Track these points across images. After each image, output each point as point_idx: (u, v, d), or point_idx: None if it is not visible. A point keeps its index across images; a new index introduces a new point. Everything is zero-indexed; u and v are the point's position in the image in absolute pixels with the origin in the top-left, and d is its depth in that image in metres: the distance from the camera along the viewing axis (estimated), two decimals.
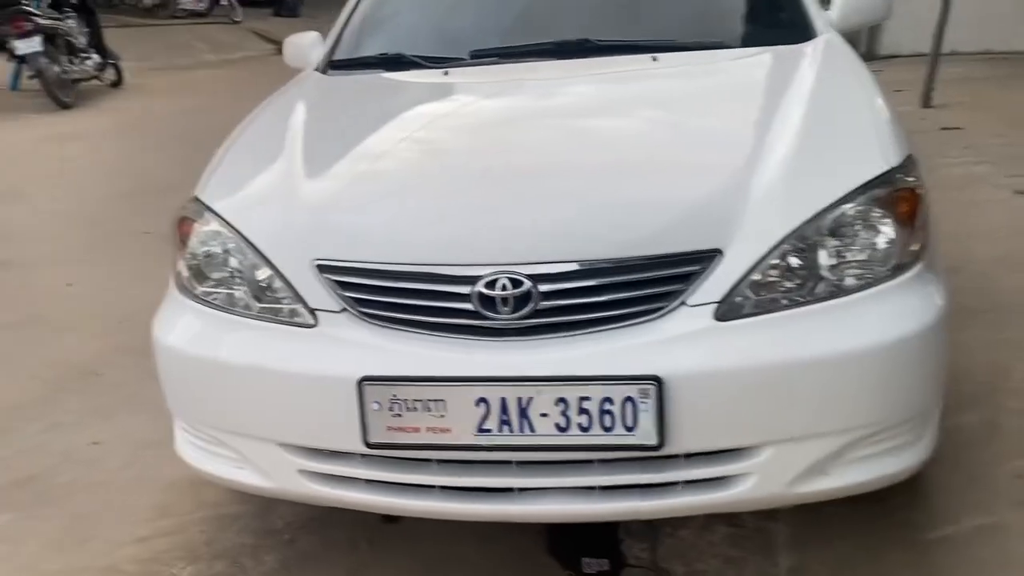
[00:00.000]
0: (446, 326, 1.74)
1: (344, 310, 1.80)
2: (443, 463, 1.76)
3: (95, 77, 9.42)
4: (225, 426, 1.91)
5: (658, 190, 1.87)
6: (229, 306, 1.91)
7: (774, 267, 1.75)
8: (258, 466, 1.90)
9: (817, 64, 2.41)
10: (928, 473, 2.33)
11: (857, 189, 1.81)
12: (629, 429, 1.65)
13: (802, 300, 1.74)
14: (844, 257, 1.79)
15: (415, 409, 1.69)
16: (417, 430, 1.70)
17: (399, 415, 1.70)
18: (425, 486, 1.79)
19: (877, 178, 1.84)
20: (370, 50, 2.89)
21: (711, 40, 2.61)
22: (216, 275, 1.96)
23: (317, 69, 2.88)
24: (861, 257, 1.79)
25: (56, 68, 8.55)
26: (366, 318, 1.78)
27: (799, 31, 2.64)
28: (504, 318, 1.71)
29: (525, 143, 2.16)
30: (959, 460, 2.38)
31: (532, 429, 1.67)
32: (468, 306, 1.72)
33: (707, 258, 1.72)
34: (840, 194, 1.80)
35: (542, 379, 1.65)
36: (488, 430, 1.68)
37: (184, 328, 1.96)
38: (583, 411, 1.65)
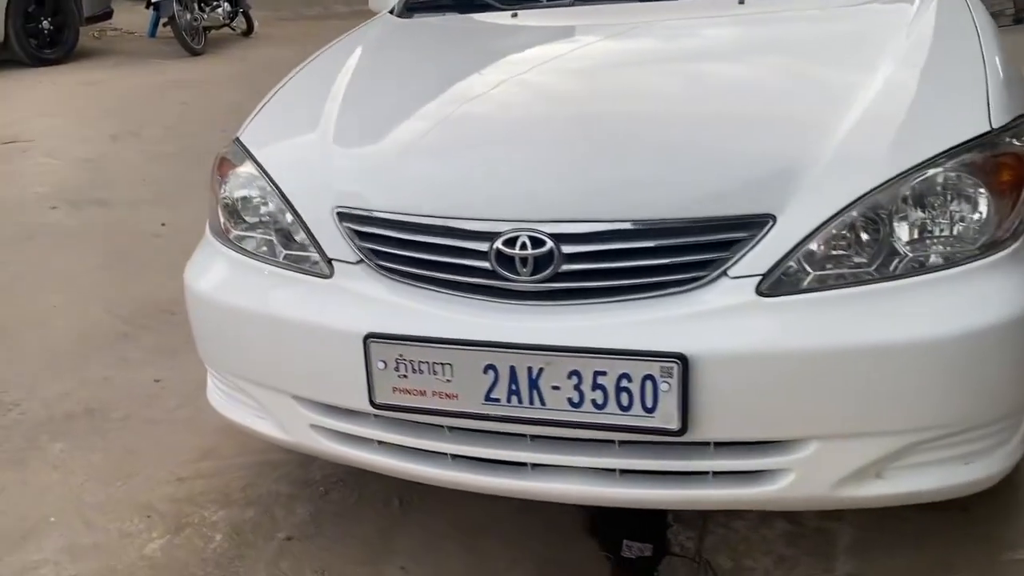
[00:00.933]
0: (463, 285, 1.61)
1: (361, 261, 1.70)
2: (455, 431, 1.65)
3: (226, 25, 9.71)
4: (246, 375, 1.86)
5: (711, 146, 1.66)
6: (257, 253, 1.85)
7: (838, 238, 1.52)
8: (276, 417, 1.85)
9: (927, 14, 2.11)
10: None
11: (947, 151, 1.56)
12: (648, 410, 1.48)
13: (869, 278, 1.52)
14: (926, 230, 1.54)
15: (421, 371, 1.58)
16: (423, 393, 1.59)
17: (405, 376, 1.59)
18: (437, 453, 1.68)
19: (974, 140, 1.58)
20: None
21: None
22: (249, 220, 1.90)
23: (392, 11, 2.78)
24: (946, 231, 1.55)
25: (188, 16, 8.87)
26: (383, 271, 1.68)
27: None
28: (522, 280, 1.56)
29: (579, 92, 1.98)
30: None
31: (543, 402, 1.53)
32: (486, 265, 1.59)
33: (757, 224, 1.52)
34: (926, 156, 1.55)
35: (553, 349, 1.50)
36: (496, 399, 1.55)
37: (213, 274, 1.91)
38: (598, 387, 1.49)
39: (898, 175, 1.54)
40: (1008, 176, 1.57)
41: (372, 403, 1.63)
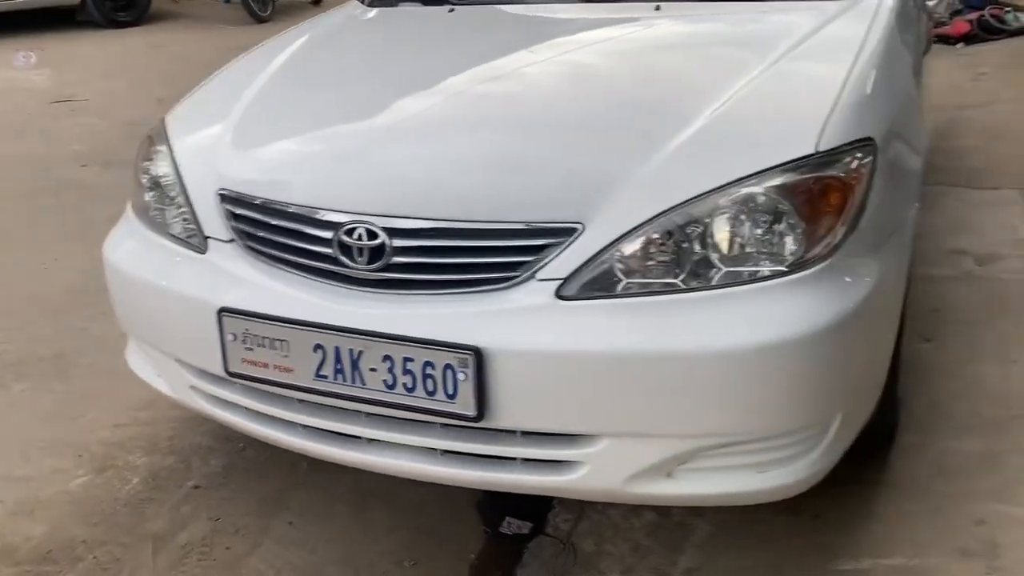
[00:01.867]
0: (312, 268, 1.77)
1: (232, 241, 1.87)
2: (303, 403, 1.81)
3: None
4: (145, 338, 2.07)
5: (534, 155, 1.77)
6: (160, 228, 2.03)
7: (649, 248, 1.61)
8: (167, 377, 2.05)
9: (825, 25, 2.14)
10: (885, 494, 2.11)
11: (764, 171, 1.62)
12: (450, 396, 1.61)
13: (676, 288, 1.60)
14: (735, 246, 1.61)
15: (264, 346, 1.74)
16: (266, 366, 1.75)
17: (251, 349, 1.75)
18: (289, 422, 1.85)
19: (794, 161, 1.63)
20: None
21: None
22: (159, 197, 2.08)
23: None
24: (754, 249, 1.61)
25: None
26: (249, 251, 1.84)
27: None
28: (359, 268, 1.70)
29: (447, 92, 2.09)
30: (931, 488, 2.12)
31: (363, 382, 1.67)
32: (330, 251, 1.73)
33: (565, 231, 1.62)
34: (743, 174, 1.62)
35: (369, 334, 1.64)
36: (325, 376, 1.70)
37: (124, 246, 2.10)
38: (407, 372, 1.63)
39: (711, 191, 1.61)
40: (822, 199, 1.62)
41: (226, 371, 1.80)
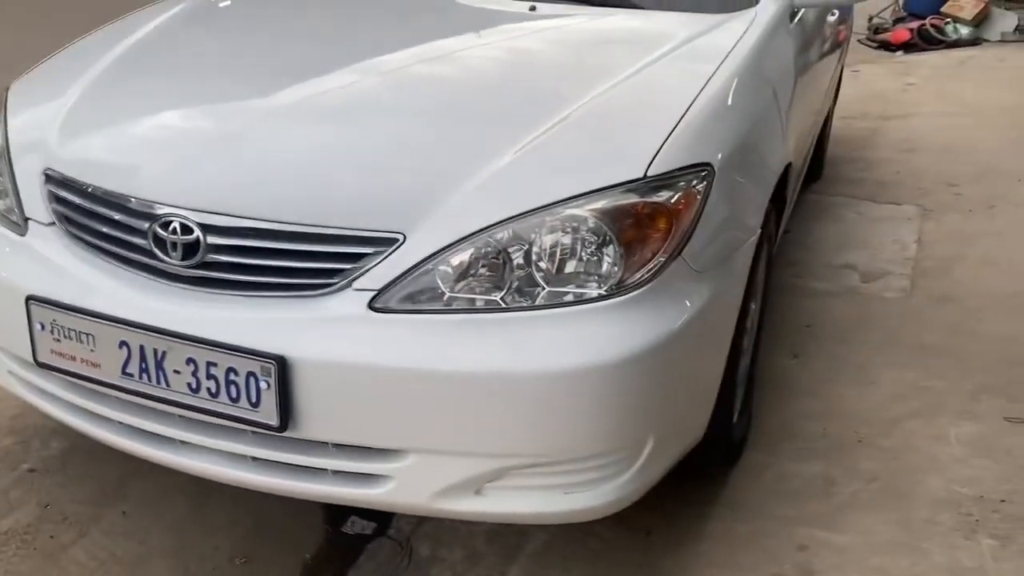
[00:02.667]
0: (129, 260, 1.70)
1: (52, 224, 1.79)
2: (116, 398, 1.75)
3: None
4: None
5: (365, 161, 1.72)
6: None
7: (465, 264, 1.57)
8: None
9: (696, 37, 2.12)
10: (718, 514, 2.13)
11: (589, 193, 1.59)
12: (253, 404, 1.57)
13: (491, 306, 1.57)
14: (556, 266, 1.58)
15: (71, 338, 1.68)
16: (74, 359, 1.69)
17: (59, 340, 1.69)
18: (105, 417, 1.78)
19: (619, 185, 1.61)
20: None
21: None
22: None
23: None
24: (574, 270, 1.59)
25: None
26: (70, 237, 1.77)
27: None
28: (172, 264, 1.64)
29: (287, 88, 2.00)
30: (764, 510, 2.14)
31: (167, 383, 1.62)
32: (144, 243, 1.67)
33: (385, 242, 1.58)
34: (567, 195, 1.59)
35: (172, 335, 1.59)
36: (131, 374, 1.65)
37: None
38: (211, 376, 1.58)
39: (535, 209, 1.58)
40: (646, 225, 1.60)
41: (36, 361, 1.74)
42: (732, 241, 1.79)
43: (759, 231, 1.89)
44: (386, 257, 1.57)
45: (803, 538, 2.02)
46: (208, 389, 1.59)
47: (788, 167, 2.24)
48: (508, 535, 2.08)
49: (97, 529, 2.09)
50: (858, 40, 8.32)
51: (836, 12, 3.23)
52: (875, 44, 7.98)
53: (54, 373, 1.75)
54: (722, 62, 1.98)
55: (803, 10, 2.58)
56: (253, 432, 1.64)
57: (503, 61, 2.12)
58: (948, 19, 7.94)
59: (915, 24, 7.91)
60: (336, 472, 1.64)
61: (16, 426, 2.39)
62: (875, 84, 6.69)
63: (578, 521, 1.70)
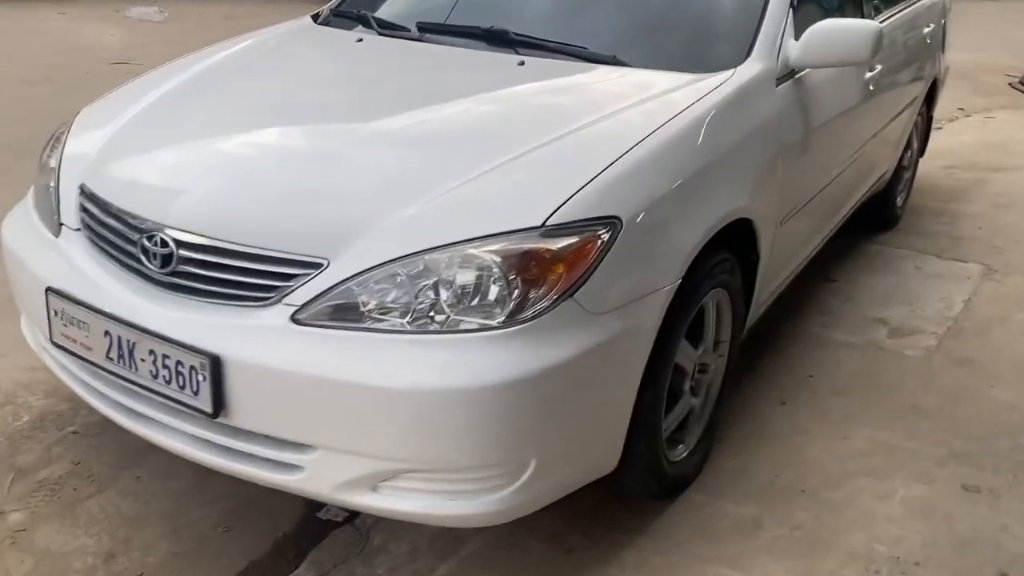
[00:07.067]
0: (125, 264, 2.06)
1: (79, 229, 2.18)
2: (106, 378, 2.09)
3: None
4: (19, 300, 2.41)
5: (305, 195, 2.00)
6: (40, 211, 2.35)
7: (376, 289, 1.82)
8: (32, 334, 2.39)
9: (660, 96, 2.27)
10: (639, 544, 2.24)
11: (488, 236, 1.80)
12: (194, 392, 1.87)
13: (395, 328, 1.80)
14: (454, 298, 1.80)
15: (73, 324, 2.05)
16: (75, 341, 2.06)
17: (66, 325, 2.07)
18: (100, 391, 2.15)
19: (516, 231, 1.81)
20: (359, 6, 3.11)
21: (605, 54, 2.51)
22: (47, 184, 2.39)
23: (317, 15, 3.18)
24: (470, 302, 1.80)
25: None
26: (89, 242, 2.15)
27: (715, 58, 2.46)
28: (153, 270, 1.98)
29: (293, 121, 2.33)
30: (683, 546, 2.24)
31: (136, 368, 1.96)
32: (136, 251, 2.02)
33: (313, 264, 1.85)
34: (472, 235, 1.81)
35: (141, 329, 1.92)
36: (112, 359, 2.00)
37: (14, 220, 2.43)
38: (166, 366, 1.90)
39: (440, 246, 1.81)
40: (534, 269, 1.79)
41: (51, 341, 2.12)
42: (638, 289, 1.93)
43: (678, 282, 2.02)
44: (313, 278, 1.84)
45: (710, 575, 2.12)
46: (163, 376, 1.91)
47: (750, 222, 2.33)
48: (450, 538, 2.28)
49: (113, 488, 2.46)
50: (1009, 84, 7.93)
51: (877, 67, 3.22)
52: None
53: (62, 352, 2.13)
54: (666, 122, 2.13)
55: (806, 71, 2.65)
56: (196, 416, 1.94)
57: (465, 110, 2.35)
58: None
59: None
60: (260, 458, 1.92)
61: (72, 394, 2.80)
62: (1001, 132, 6.37)
63: (464, 526, 1.89)
